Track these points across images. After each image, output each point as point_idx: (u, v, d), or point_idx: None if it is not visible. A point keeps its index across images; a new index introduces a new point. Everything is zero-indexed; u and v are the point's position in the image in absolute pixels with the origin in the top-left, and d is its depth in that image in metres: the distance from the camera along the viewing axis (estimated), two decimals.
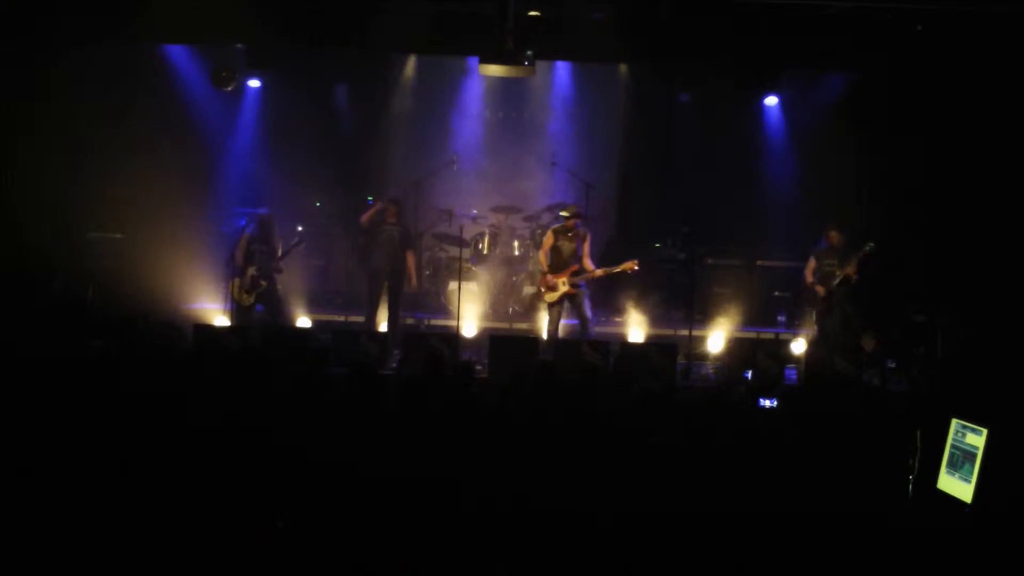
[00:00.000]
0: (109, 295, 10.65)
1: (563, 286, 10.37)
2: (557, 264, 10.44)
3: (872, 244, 10.22)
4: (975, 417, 5.21)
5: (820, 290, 10.60)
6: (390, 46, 12.36)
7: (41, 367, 6.29)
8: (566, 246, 10.42)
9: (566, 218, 10.50)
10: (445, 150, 12.92)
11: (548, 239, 10.56)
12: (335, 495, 4.61)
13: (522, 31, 10.73)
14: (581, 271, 10.38)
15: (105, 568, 4.24)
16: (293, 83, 12.87)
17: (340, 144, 13.26)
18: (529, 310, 11.77)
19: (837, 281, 10.52)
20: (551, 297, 10.44)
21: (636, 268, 10.42)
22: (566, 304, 10.46)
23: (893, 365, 9.92)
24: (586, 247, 10.45)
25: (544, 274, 10.51)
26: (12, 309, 9.34)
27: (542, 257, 10.59)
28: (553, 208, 12.21)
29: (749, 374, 9.52)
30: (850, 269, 10.41)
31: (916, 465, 5.47)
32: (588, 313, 10.40)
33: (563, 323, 10.94)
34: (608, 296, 12.12)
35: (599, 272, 10.44)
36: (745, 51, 11.40)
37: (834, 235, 10.65)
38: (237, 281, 10.89)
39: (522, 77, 11.93)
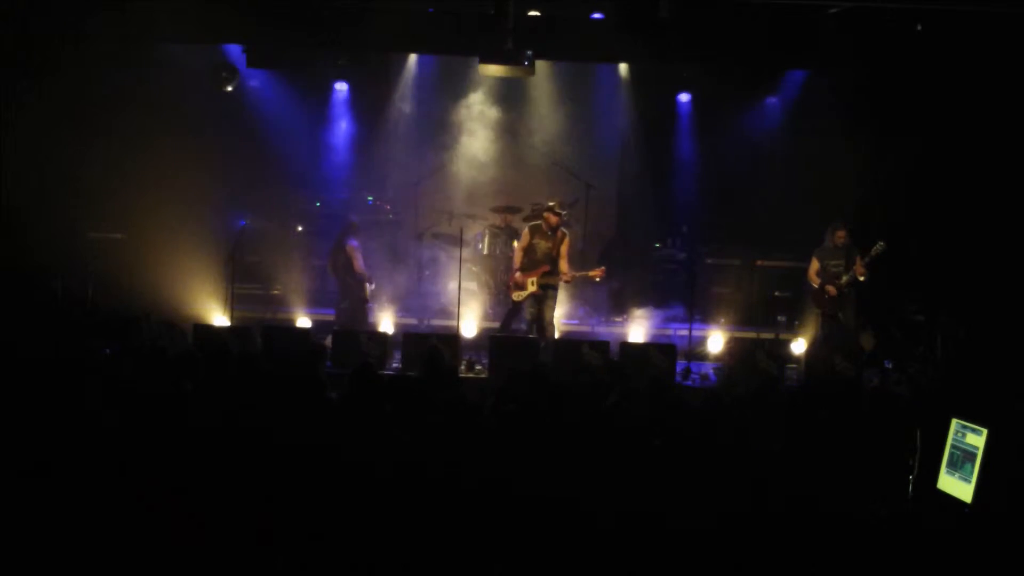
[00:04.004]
0: (109, 295, 10.65)
1: (531, 286, 10.31)
2: (530, 263, 10.36)
3: (883, 244, 10.17)
4: (975, 417, 5.21)
5: (831, 290, 10.56)
6: (390, 46, 12.36)
7: (41, 367, 6.29)
8: (541, 245, 10.34)
9: (552, 214, 10.31)
10: (445, 150, 12.92)
11: (525, 237, 10.47)
12: (335, 494, 4.61)
13: (522, 31, 10.73)
14: (552, 273, 10.32)
15: (105, 568, 4.24)
16: (293, 83, 12.87)
17: (340, 144, 13.26)
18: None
19: (846, 281, 10.49)
20: (518, 296, 10.42)
21: (602, 276, 10.45)
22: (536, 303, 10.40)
23: (891, 365, 9.92)
24: (563, 249, 10.33)
25: (514, 271, 10.47)
26: (12, 309, 9.33)
27: (517, 254, 10.53)
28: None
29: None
30: (860, 269, 10.38)
31: (916, 465, 5.47)
32: (548, 316, 10.29)
33: (563, 323, 10.93)
34: (608, 296, 12.12)
35: (567, 277, 10.39)
36: (745, 51, 11.40)
37: (841, 234, 10.61)
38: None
39: (522, 77, 11.94)
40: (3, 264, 10.47)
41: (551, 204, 10.46)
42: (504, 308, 11.59)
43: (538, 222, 10.48)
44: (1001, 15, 10.03)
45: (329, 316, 11.69)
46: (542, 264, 10.29)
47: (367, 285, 11.16)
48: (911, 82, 11.39)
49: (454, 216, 12.61)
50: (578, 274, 10.52)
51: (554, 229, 10.32)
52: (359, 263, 11.12)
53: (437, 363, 7.51)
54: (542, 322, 10.29)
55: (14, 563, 4.18)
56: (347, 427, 5.65)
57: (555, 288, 10.38)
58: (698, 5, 10.80)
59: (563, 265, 10.34)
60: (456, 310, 10.92)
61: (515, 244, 12.48)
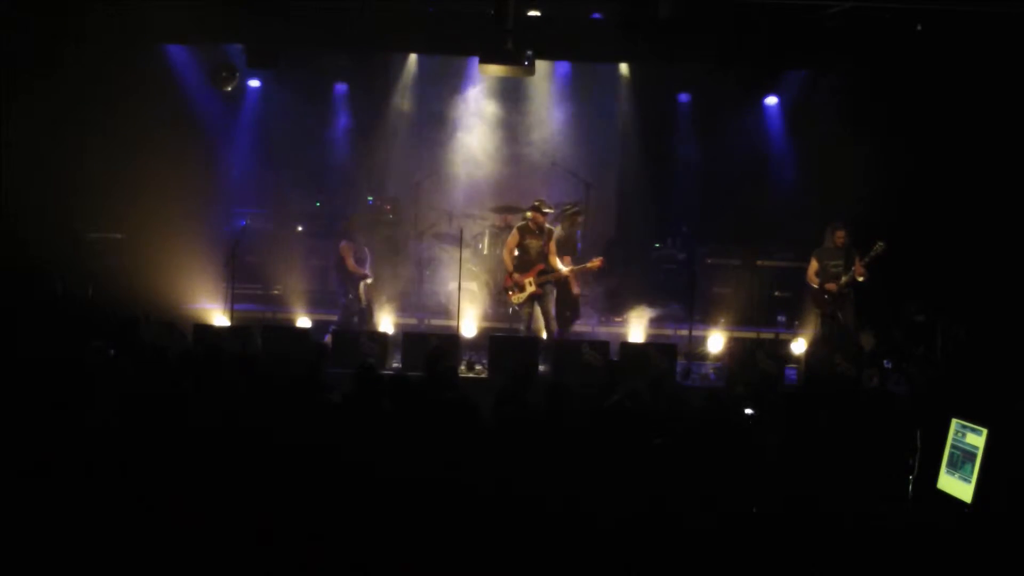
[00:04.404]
0: (109, 295, 10.65)
1: (530, 286, 10.31)
2: (524, 263, 10.36)
3: (882, 244, 10.15)
4: (975, 417, 5.21)
5: (831, 290, 10.54)
6: (390, 46, 12.36)
7: (41, 367, 6.29)
8: (533, 244, 10.35)
9: (539, 212, 10.31)
10: (445, 150, 12.92)
11: (514, 238, 10.46)
12: (335, 495, 4.60)
13: (522, 31, 10.73)
14: (548, 270, 10.33)
15: (105, 568, 4.24)
16: (293, 83, 12.87)
17: (340, 144, 13.26)
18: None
19: (845, 281, 10.47)
20: (518, 298, 10.39)
21: (601, 265, 10.46)
22: (534, 302, 10.41)
23: (889, 365, 9.92)
24: (552, 245, 10.40)
25: (509, 274, 10.45)
26: (12, 309, 9.33)
27: (507, 257, 10.50)
28: (554, 207, 12.22)
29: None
30: (859, 269, 10.36)
31: (916, 465, 5.47)
32: (553, 311, 10.34)
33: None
34: (608, 296, 12.12)
35: (566, 271, 10.45)
36: (745, 51, 11.40)
37: (840, 234, 10.59)
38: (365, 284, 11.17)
39: (522, 77, 11.94)
40: (3, 264, 10.48)
41: (536, 203, 10.46)
42: (505, 308, 11.62)
43: (524, 222, 10.48)
44: (1001, 15, 10.02)
45: (329, 316, 11.69)
46: (536, 263, 10.31)
47: (360, 284, 11.13)
48: (911, 82, 11.38)
49: (454, 216, 12.61)
50: (577, 268, 10.57)
51: (541, 227, 10.34)
52: (350, 262, 11.12)
53: (439, 363, 7.50)
54: (547, 316, 10.31)
55: (14, 563, 4.18)
56: (347, 427, 5.66)
57: (553, 283, 10.41)
58: (698, 5, 10.79)
59: (554, 261, 10.36)
60: (456, 310, 10.93)
61: (515, 243, 12.52)
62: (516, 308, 10.58)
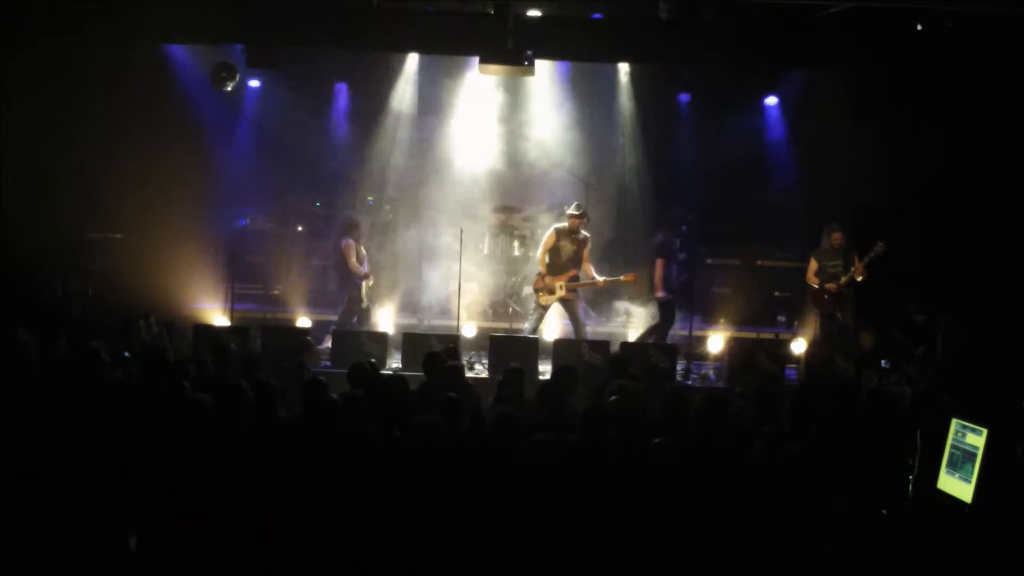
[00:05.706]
0: (109, 295, 10.65)
1: (559, 291, 10.34)
2: (556, 266, 10.40)
3: (882, 244, 10.16)
4: (975, 417, 5.21)
5: (831, 291, 10.54)
6: (390, 46, 12.35)
7: (41, 367, 6.29)
8: (567, 248, 10.38)
9: (573, 216, 10.40)
10: (445, 150, 12.91)
11: (550, 238, 10.50)
12: (333, 495, 4.61)
13: (522, 31, 10.73)
14: (579, 278, 10.37)
15: (104, 568, 4.24)
16: (293, 83, 12.86)
17: (340, 144, 13.26)
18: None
19: (844, 281, 10.48)
20: (546, 300, 10.42)
21: (635, 280, 10.49)
22: (556, 306, 10.44)
23: (887, 365, 9.92)
24: (586, 252, 10.44)
25: (542, 275, 10.47)
26: (12, 309, 9.33)
27: (541, 256, 10.54)
28: (553, 208, 12.22)
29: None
30: (858, 269, 10.36)
31: (916, 465, 5.47)
32: (582, 316, 10.40)
33: (563, 323, 10.93)
34: (608, 296, 12.12)
35: (600, 281, 10.48)
36: (745, 51, 11.39)
37: (837, 236, 10.61)
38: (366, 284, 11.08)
39: (522, 77, 11.93)
40: (4, 264, 10.47)
41: (578, 208, 10.48)
42: (505, 309, 11.60)
43: (563, 224, 10.51)
44: (1001, 15, 10.02)
45: (329, 316, 11.69)
46: (569, 268, 10.36)
47: (360, 284, 11.12)
48: (911, 82, 11.37)
49: (454, 216, 12.60)
50: (610, 279, 10.61)
51: (577, 231, 10.38)
52: (352, 261, 11.11)
53: (445, 364, 7.46)
54: (576, 321, 10.41)
55: (15, 563, 4.18)
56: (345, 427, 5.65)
57: (578, 291, 10.49)
58: (698, 5, 10.78)
59: (587, 268, 10.40)
60: (456, 310, 10.92)
61: (515, 244, 12.50)
62: (528, 306, 10.56)
